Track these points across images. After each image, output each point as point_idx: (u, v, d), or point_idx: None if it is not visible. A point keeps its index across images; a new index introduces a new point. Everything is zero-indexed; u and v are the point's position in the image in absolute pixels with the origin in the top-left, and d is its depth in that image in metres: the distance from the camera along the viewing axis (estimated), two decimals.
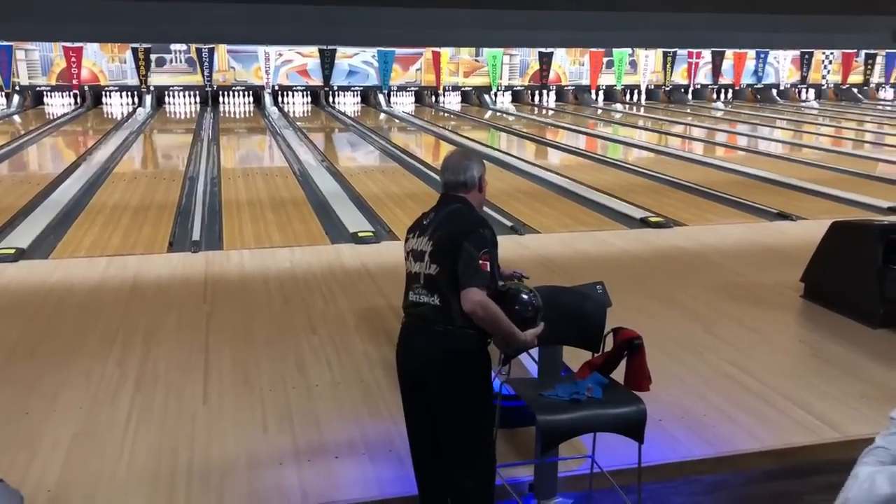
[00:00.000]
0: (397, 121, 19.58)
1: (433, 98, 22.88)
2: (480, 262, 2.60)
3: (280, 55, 21.48)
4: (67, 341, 4.79)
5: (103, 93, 20.80)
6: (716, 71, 24.77)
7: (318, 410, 3.90)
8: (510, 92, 23.56)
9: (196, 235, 7.44)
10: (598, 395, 2.92)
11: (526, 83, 23.72)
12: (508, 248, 7.01)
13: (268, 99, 21.28)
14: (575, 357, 3.32)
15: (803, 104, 24.82)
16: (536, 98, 23.76)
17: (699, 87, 25.13)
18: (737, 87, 25.27)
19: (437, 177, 11.11)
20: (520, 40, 18.39)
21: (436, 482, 2.85)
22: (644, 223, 8.09)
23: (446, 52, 22.41)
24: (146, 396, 4.03)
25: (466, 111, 21.70)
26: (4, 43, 19.29)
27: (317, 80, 21.79)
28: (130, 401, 3.97)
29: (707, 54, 24.48)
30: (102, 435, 3.63)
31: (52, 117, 18.78)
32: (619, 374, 3.14)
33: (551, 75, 23.53)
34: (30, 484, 3.18)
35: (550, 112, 22.06)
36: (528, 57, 23.39)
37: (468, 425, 2.70)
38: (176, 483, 3.25)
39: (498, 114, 21.28)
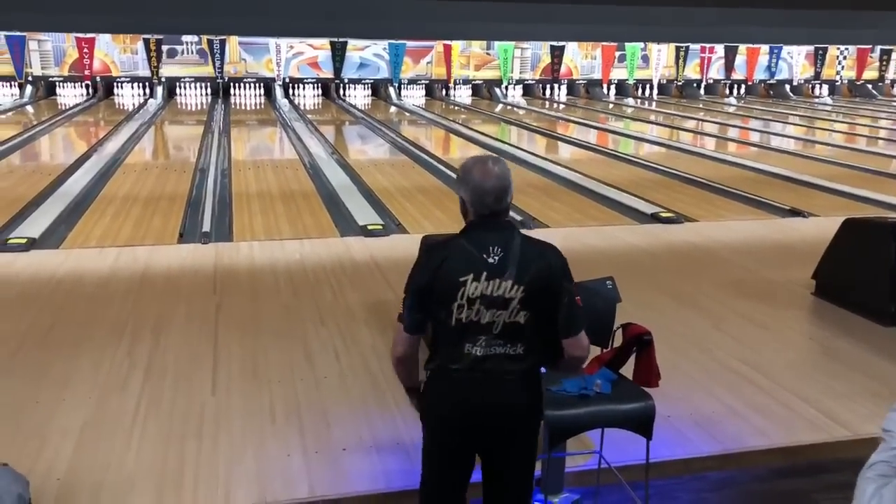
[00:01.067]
0: (407, 114, 19.57)
1: (444, 91, 22.85)
2: (577, 298, 2.36)
3: (291, 47, 21.49)
4: (77, 331, 4.82)
5: (115, 84, 20.87)
6: (728, 66, 24.62)
7: (326, 403, 3.91)
8: (521, 85, 23.50)
9: (206, 227, 7.46)
10: (606, 391, 2.91)
11: (537, 77, 23.65)
12: None
13: (279, 91, 21.30)
14: None
15: (817, 100, 24.66)
16: (547, 92, 23.70)
17: (712, 82, 25.00)
18: (749, 83, 25.11)
19: (446, 171, 11.11)
20: (531, 33, 18.33)
21: None
22: (655, 218, 8.06)
23: (457, 46, 22.36)
24: (155, 387, 4.05)
25: (477, 104, 21.65)
26: (17, 34, 19.35)
27: (328, 73, 21.79)
28: (139, 391, 3.99)
29: (720, 49, 24.34)
30: (111, 424, 3.65)
31: (64, 108, 18.86)
32: (627, 369, 3.13)
33: (563, 69, 23.45)
34: (39, 472, 3.20)
35: (561, 106, 21.99)
36: (540, 50, 23.31)
37: (532, 470, 2.48)
38: (184, 473, 3.26)
39: (508, 107, 21.23)
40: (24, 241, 6.78)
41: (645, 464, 2.94)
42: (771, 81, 25.37)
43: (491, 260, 2.28)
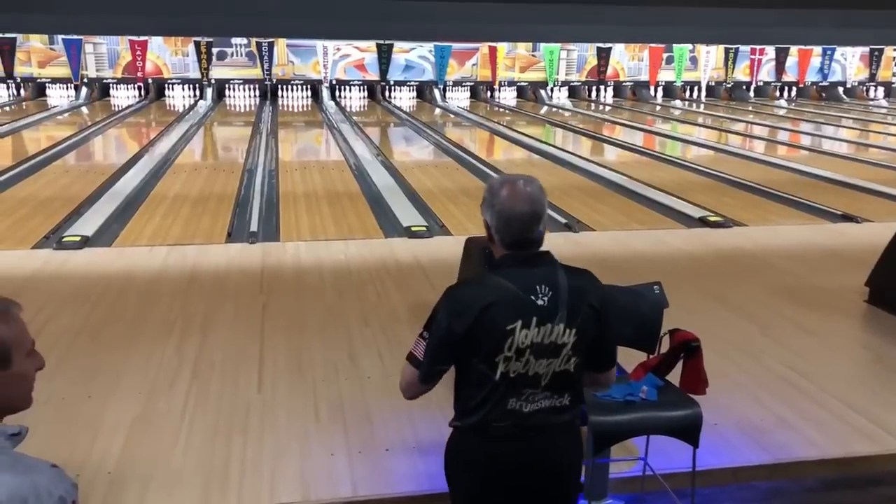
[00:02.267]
0: (452, 116, 19.60)
1: (489, 93, 22.83)
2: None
3: (338, 50, 21.69)
4: (128, 328, 4.92)
5: (166, 85, 21.31)
6: (779, 68, 24.17)
7: (370, 402, 3.93)
8: (567, 87, 23.37)
9: (254, 227, 7.57)
10: (652, 397, 2.88)
11: (583, 78, 23.50)
12: (562, 245, 6.95)
13: (325, 93, 21.52)
14: (630, 358, 3.27)
15: (871, 102, 24.05)
16: (593, 94, 23.52)
17: (762, 84, 24.57)
18: (801, 85, 24.62)
19: (490, 172, 11.11)
20: (578, 35, 18.21)
21: None
22: (702, 222, 7.94)
23: (503, 48, 22.33)
24: (202, 383, 4.12)
25: (522, 106, 21.59)
26: (75, 37, 19.90)
27: (373, 75, 21.95)
28: (187, 387, 4.06)
29: (770, 51, 23.91)
30: (160, 420, 3.72)
31: (117, 109, 19.31)
32: (674, 376, 3.08)
33: (609, 71, 23.26)
34: (91, 465, 3.27)
35: (607, 108, 21.81)
36: (586, 52, 23.16)
37: None
38: (230, 469, 3.31)
39: (553, 109, 21.12)
40: (77, 238, 6.95)
41: (691, 472, 2.90)
42: (823, 83, 24.83)
43: (540, 302, 1.96)
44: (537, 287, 1.97)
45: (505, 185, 2.06)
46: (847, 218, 8.19)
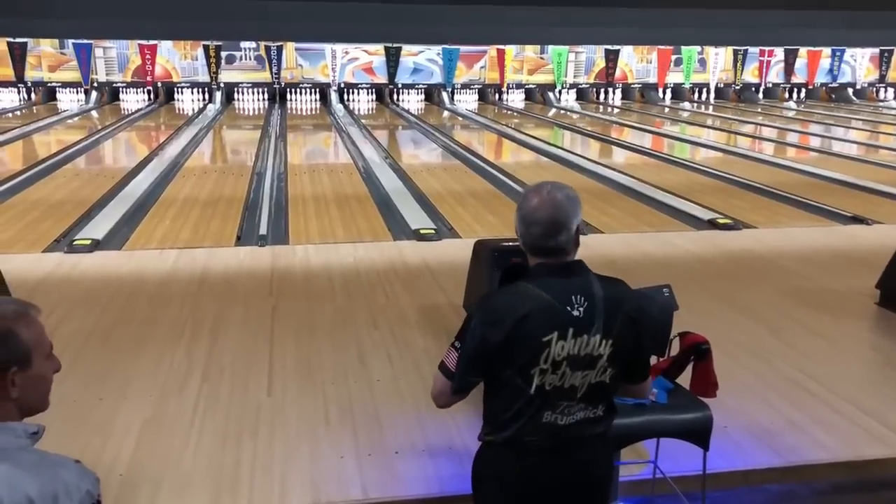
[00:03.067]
0: (460, 118, 19.61)
1: (497, 95, 22.85)
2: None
3: (346, 53, 21.75)
4: (139, 331, 4.94)
5: (175, 89, 21.41)
6: (788, 69, 24.11)
7: (379, 405, 3.94)
8: (575, 89, 23.36)
9: (263, 230, 7.59)
10: (662, 400, 2.87)
11: (591, 81, 23.48)
12: None
13: (334, 96, 21.58)
14: None
15: (881, 104, 23.94)
16: (602, 96, 23.50)
17: (771, 86, 24.50)
18: (810, 87, 24.55)
19: (499, 175, 11.10)
20: (586, 37, 18.20)
21: None
22: (712, 225, 7.92)
23: (511, 50, 22.35)
24: (212, 386, 4.13)
25: (530, 109, 21.59)
26: (85, 41, 20.02)
27: (382, 78, 22.00)
28: (198, 390, 4.08)
29: (779, 52, 23.84)
30: (171, 423, 3.74)
31: (126, 113, 19.39)
32: (684, 379, 3.08)
33: (617, 73, 23.24)
34: (102, 467, 3.29)
35: (616, 110, 21.79)
36: (594, 54, 23.15)
37: None
38: (240, 472, 3.32)
39: (562, 111, 21.11)
40: (88, 242, 6.99)
41: (701, 474, 2.89)
42: (833, 85, 24.74)
43: (576, 313, 1.91)
44: (573, 297, 1.92)
45: (532, 191, 2.02)
46: (857, 220, 8.16)
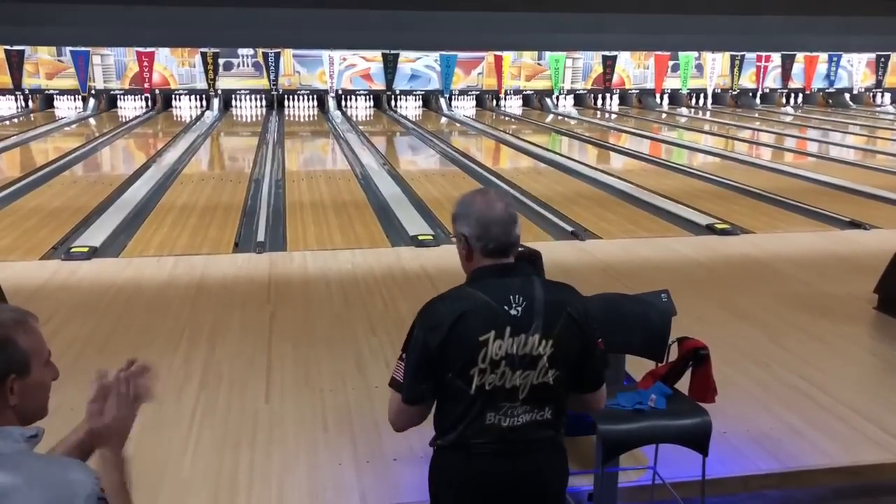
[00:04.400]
0: (458, 124, 19.63)
1: (494, 102, 22.88)
2: (600, 341, 2.06)
3: (344, 60, 21.77)
4: (136, 338, 4.94)
5: (173, 96, 21.42)
6: (786, 75, 24.15)
7: (377, 412, 3.92)
8: (572, 95, 23.40)
9: (261, 236, 7.58)
10: (661, 406, 2.87)
11: (589, 87, 23.52)
12: (569, 254, 6.96)
13: (331, 103, 21.59)
14: (638, 366, 3.27)
15: (878, 108, 24.00)
16: (599, 102, 23.55)
17: (768, 91, 24.56)
18: (808, 92, 24.59)
19: (497, 181, 11.09)
20: (583, 44, 18.24)
21: None
22: (710, 230, 7.93)
23: (508, 56, 22.38)
24: (210, 393, 4.12)
25: (528, 115, 21.62)
26: (82, 49, 20.02)
27: (379, 85, 22.02)
28: (195, 397, 4.07)
29: (776, 58, 23.89)
30: (168, 430, 3.72)
31: (124, 120, 19.41)
32: (683, 384, 3.07)
33: (615, 79, 23.28)
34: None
35: (613, 116, 21.82)
36: (592, 60, 23.19)
37: None
38: (238, 479, 3.31)
39: (560, 117, 21.14)
40: (86, 249, 6.98)
41: (700, 480, 2.88)
42: (830, 90, 24.79)
43: (514, 312, 1.91)
44: (511, 297, 1.92)
45: (477, 195, 2.06)
46: (855, 225, 8.16)
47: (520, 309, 1.92)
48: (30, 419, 1.51)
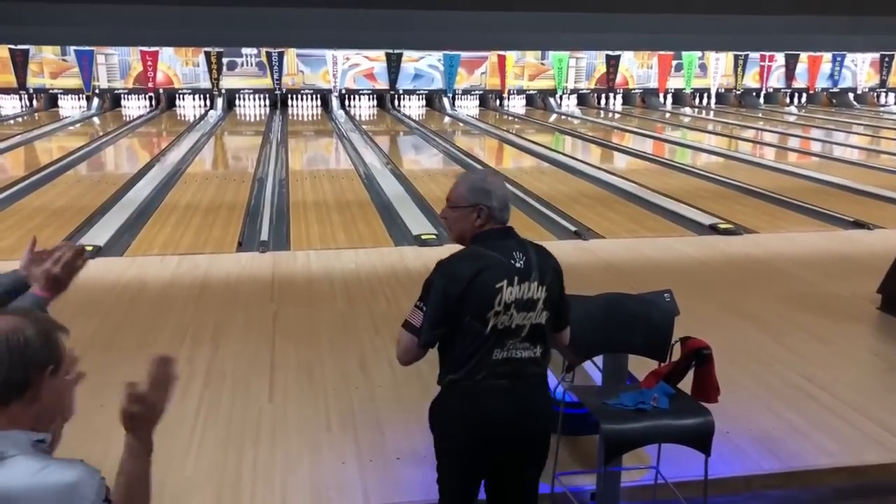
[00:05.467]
0: (461, 124, 19.63)
1: (498, 101, 22.88)
2: None
3: (347, 59, 21.79)
4: (141, 337, 4.95)
5: (177, 95, 21.45)
6: (789, 74, 24.13)
7: (381, 411, 3.93)
8: (576, 95, 23.39)
9: (264, 236, 7.59)
10: (664, 405, 2.87)
11: (592, 86, 23.51)
12: (572, 253, 6.95)
13: (335, 102, 21.61)
14: (641, 366, 3.27)
15: (882, 108, 23.96)
16: (603, 101, 23.53)
17: (771, 90, 24.53)
18: (811, 91, 24.56)
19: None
20: (587, 43, 18.22)
21: None
22: (713, 230, 7.92)
23: (511, 56, 22.38)
24: (214, 393, 4.13)
25: (531, 114, 21.61)
26: (87, 48, 20.06)
27: (383, 84, 22.03)
28: (199, 397, 4.07)
29: (780, 57, 23.86)
30: (172, 429, 3.72)
31: (128, 119, 19.44)
32: (686, 384, 3.07)
33: (618, 78, 23.27)
34: (104, 474, 3.28)
35: (617, 116, 21.81)
36: (595, 60, 23.18)
37: (539, 477, 2.55)
38: (241, 479, 3.32)
39: (563, 117, 21.13)
40: (90, 248, 6.99)
41: (703, 480, 2.89)
42: (834, 90, 24.76)
43: (518, 265, 2.33)
44: (514, 253, 2.35)
45: (488, 176, 2.50)
46: (858, 225, 8.15)
47: (522, 262, 2.34)
48: (45, 421, 1.54)
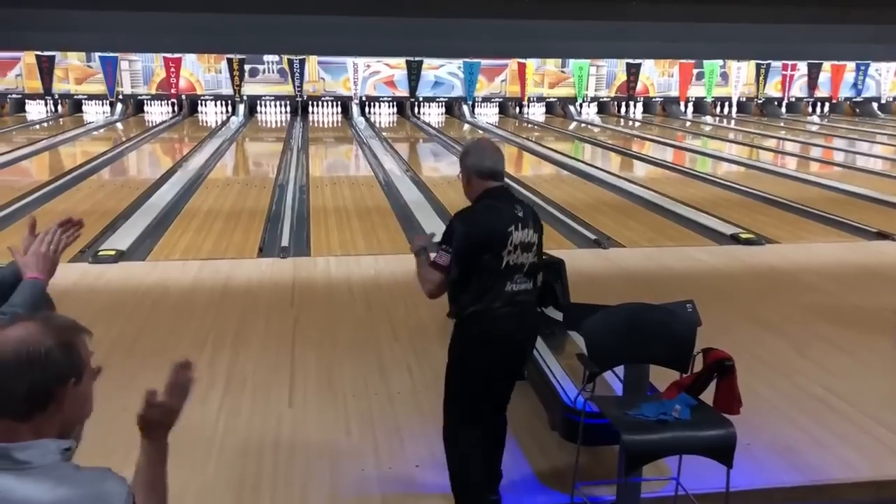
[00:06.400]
0: (481, 131, 19.64)
1: (517, 109, 22.87)
2: None
3: (368, 67, 21.88)
4: (162, 341, 4.99)
5: (199, 102, 21.62)
6: (812, 83, 23.95)
7: (399, 418, 3.94)
8: (596, 103, 23.35)
9: (285, 241, 7.63)
10: (685, 417, 2.85)
11: (613, 94, 23.46)
12: (591, 262, 6.94)
13: (355, 109, 21.70)
14: (663, 376, 3.25)
15: None
16: (623, 109, 23.47)
17: (794, 100, 24.34)
18: (834, 101, 24.35)
19: (519, 188, 11.04)
20: (608, 51, 18.19)
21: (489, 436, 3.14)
22: (734, 239, 7.87)
23: (532, 64, 22.39)
24: (234, 397, 4.16)
25: (550, 122, 21.59)
26: (111, 54, 20.31)
27: (403, 91, 22.10)
28: (220, 401, 4.10)
29: (803, 66, 23.69)
30: (193, 433, 3.74)
31: (151, 125, 19.62)
32: (707, 395, 3.06)
33: (639, 87, 23.20)
34: (126, 478, 3.31)
35: (637, 124, 21.73)
36: (616, 68, 23.13)
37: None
38: (261, 484, 3.33)
39: (583, 125, 21.09)
40: (112, 252, 7.06)
41: (724, 492, 2.87)
42: (857, 99, 24.53)
43: (520, 214, 2.92)
44: (515, 205, 2.96)
45: (479, 142, 3.19)
46: (882, 236, 8.06)
47: (521, 212, 2.94)
48: (69, 427, 1.54)
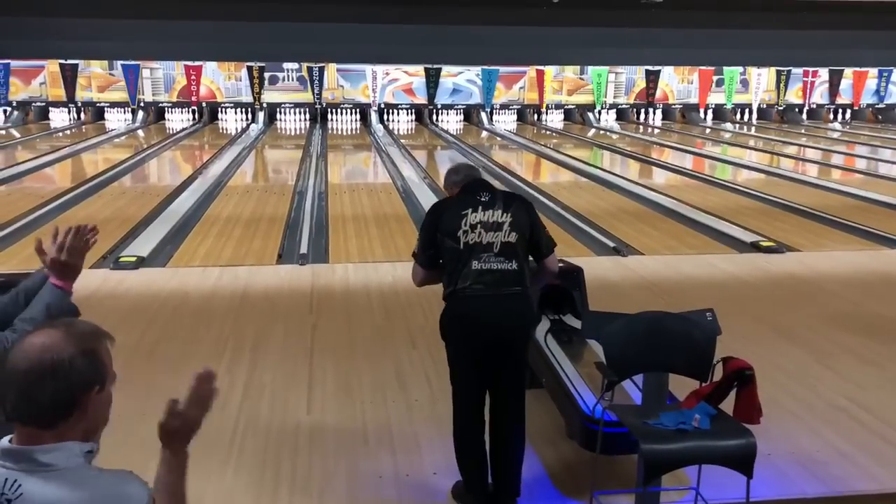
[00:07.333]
0: (499, 138, 19.65)
1: (536, 116, 22.86)
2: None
3: (387, 74, 21.96)
4: (182, 347, 5.02)
5: (219, 109, 21.78)
6: (833, 90, 23.74)
7: (417, 425, 3.94)
8: (615, 110, 23.28)
9: (304, 248, 7.67)
10: (705, 426, 2.83)
11: (632, 101, 23.38)
12: (610, 269, 6.91)
13: (374, 116, 21.78)
14: (682, 386, 3.23)
15: None
16: (642, 116, 23.38)
17: (815, 106, 24.13)
18: (856, 108, 24.11)
19: (537, 195, 11.04)
20: (627, 58, 18.15)
21: (480, 427, 3.23)
22: (755, 247, 7.81)
23: (550, 71, 22.36)
24: (253, 404, 4.17)
25: (569, 129, 21.55)
26: (133, 62, 20.53)
27: (421, 99, 22.16)
28: (238, 408, 4.12)
29: (824, 73, 23.50)
30: (211, 440, 3.76)
31: (171, 132, 19.79)
32: (727, 405, 3.03)
33: (658, 93, 23.11)
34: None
35: (656, 131, 21.65)
36: (635, 75, 23.06)
37: (524, 376, 3.29)
38: (279, 490, 3.34)
39: (601, 132, 21.04)
40: (133, 259, 7.12)
41: (744, 503, 2.84)
42: (879, 106, 24.29)
43: (483, 199, 3.14)
44: (480, 192, 3.18)
45: (454, 164, 3.51)
46: None
47: (487, 197, 3.15)
48: (92, 432, 1.55)
